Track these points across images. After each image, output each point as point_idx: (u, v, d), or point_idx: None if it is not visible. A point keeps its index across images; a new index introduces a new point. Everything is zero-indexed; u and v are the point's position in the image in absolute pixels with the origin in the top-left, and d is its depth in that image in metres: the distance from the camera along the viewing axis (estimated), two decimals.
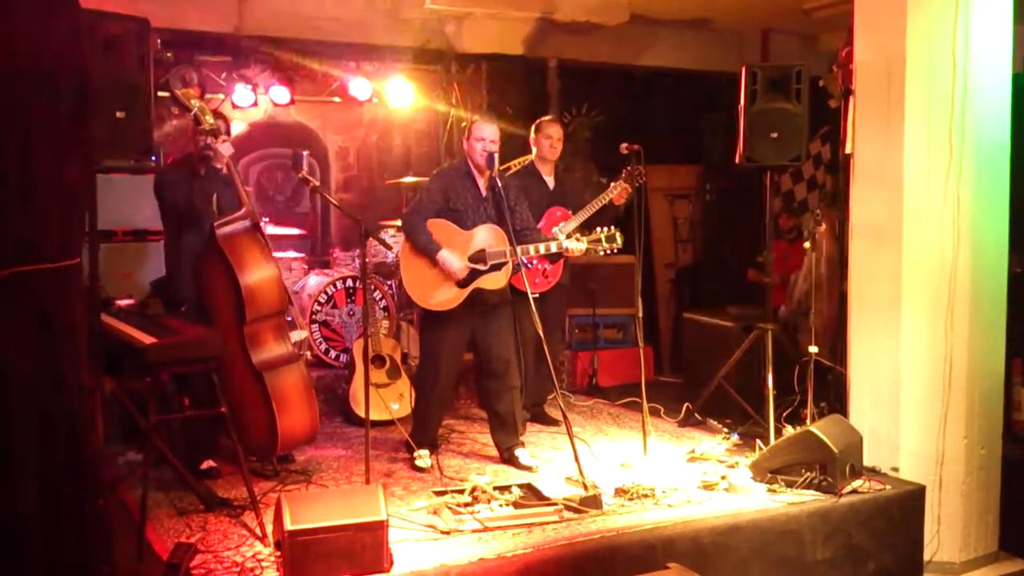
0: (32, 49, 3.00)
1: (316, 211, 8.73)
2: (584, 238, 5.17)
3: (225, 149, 4.96)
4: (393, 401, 6.12)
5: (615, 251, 5.17)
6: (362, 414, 4.73)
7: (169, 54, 7.14)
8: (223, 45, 7.62)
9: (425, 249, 5.08)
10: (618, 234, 5.15)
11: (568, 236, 5.54)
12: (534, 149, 6.15)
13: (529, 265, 5.04)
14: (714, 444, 5.51)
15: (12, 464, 3.02)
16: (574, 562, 4.02)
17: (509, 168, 6.49)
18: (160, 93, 7.00)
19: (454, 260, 5.06)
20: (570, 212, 6.04)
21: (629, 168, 5.85)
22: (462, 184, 5.19)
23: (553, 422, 6.21)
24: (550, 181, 6.14)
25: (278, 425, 4.82)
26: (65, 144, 3.11)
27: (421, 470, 5.17)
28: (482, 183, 5.21)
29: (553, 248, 5.13)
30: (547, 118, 6.26)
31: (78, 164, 3.19)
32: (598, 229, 5.18)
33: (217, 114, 5.14)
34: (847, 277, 5.37)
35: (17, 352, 3.02)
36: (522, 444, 5.37)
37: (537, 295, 5.31)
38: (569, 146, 8.49)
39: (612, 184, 5.99)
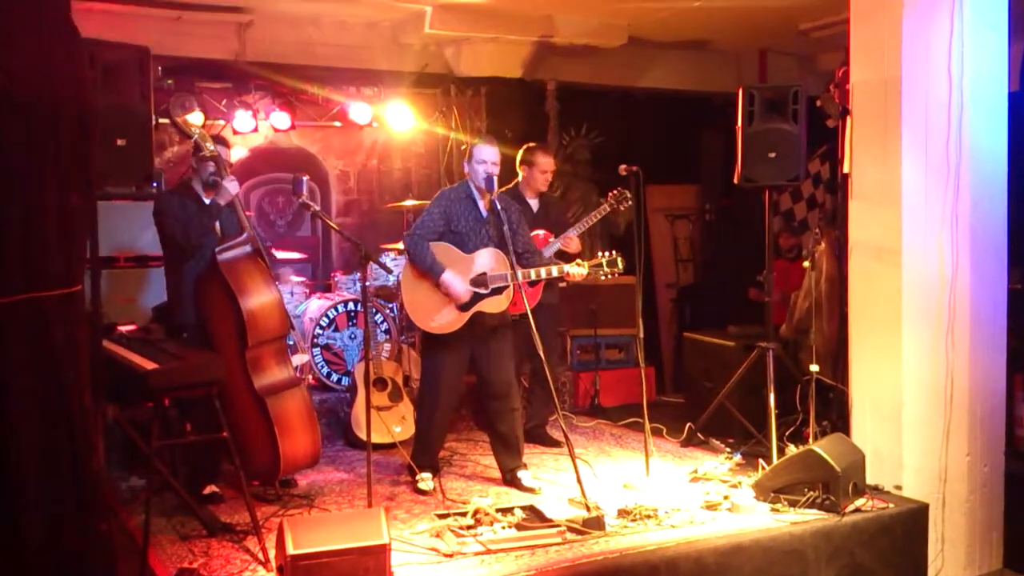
0: (34, 78, 3.03)
1: (317, 235, 8.76)
2: (585, 263, 5.18)
3: (232, 187, 5.00)
4: (395, 424, 6.12)
5: (616, 275, 5.18)
6: (364, 437, 4.73)
7: (169, 81, 7.20)
8: (224, 72, 7.67)
9: (430, 270, 5.10)
10: (619, 259, 5.16)
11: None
12: (520, 173, 6.15)
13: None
14: (717, 464, 5.49)
15: (16, 490, 3.03)
16: None
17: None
18: (161, 120, 7.06)
19: (458, 283, 5.07)
20: (552, 235, 6.05)
21: (615, 192, 5.96)
22: (463, 207, 5.21)
23: (555, 443, 6.21)
24: (534, 204, 6.15)
25: (280, 450, 4.83)
26: (67, 172, 3.13)
27: (423, 493, 5.17)
28: (483, 205, 5.22)
29: (555, 272, 5.14)
30: (538, 146, 6.22)
31: (80, 191, 3.21)
32: (600, 254, 5.19)
33: (218, 139, 5.18)
34: (847, 295, 5.38)
35: (21, 378, 3.03)
36: (524, 466, 5.36)
37: (517, 317, 5.30)
38: (568, 168, 8.54)
39: (602, 205, 6.07)
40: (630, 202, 5.90)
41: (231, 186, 4.99)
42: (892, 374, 5.05)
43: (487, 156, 5.13)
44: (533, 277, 5.13)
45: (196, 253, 4.99)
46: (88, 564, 3.18)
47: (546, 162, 6.09)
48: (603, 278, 5.20)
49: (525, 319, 4.74)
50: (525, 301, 4.86)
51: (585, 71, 8.73)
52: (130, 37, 4.70)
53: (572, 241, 6.04)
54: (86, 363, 3.24)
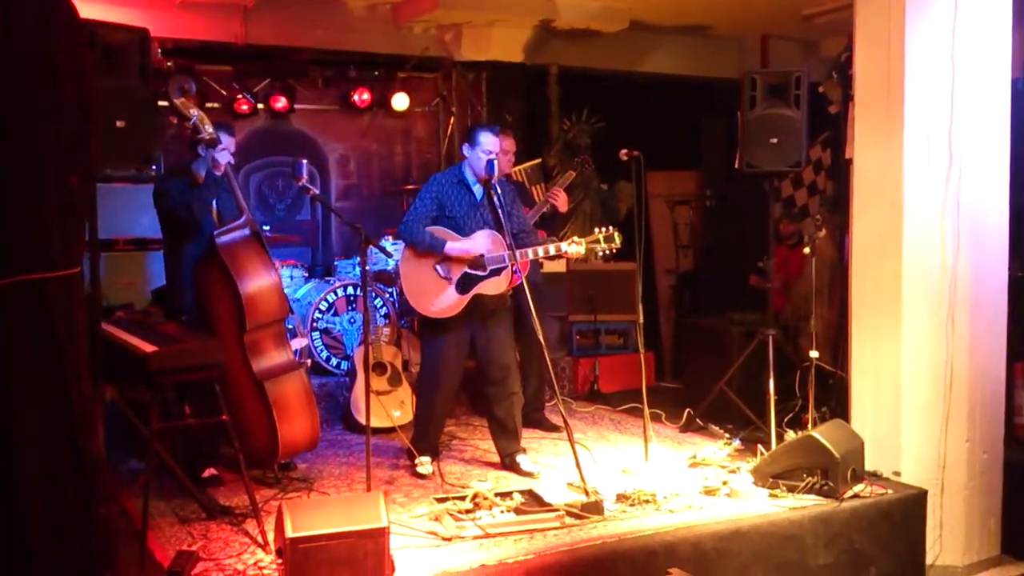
0: (33, 60, 3.02)
1: (316, 219, 8.74)
2: (583, 240, 5.12)
3: (222, 157, 4.99)
4: (394, 408, 6.12)
5: (614, 251, 5.10)
6: (363, 421, 4.73)
7: (169, 63, 7.17)
8: (224, 54, 7.65)
9: (432, 248, 5.09)
10: (616, 234, 5.07)
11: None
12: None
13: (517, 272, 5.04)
14: (716, 449, 5.50)
15: (16, 472, 3.03)
16: (576, 568, 4.02)
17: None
18: (160, 103, 7.04)
19: (467, 243, 5.06)
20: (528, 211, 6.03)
21: (579, 159, 6.40)
22: (456, 192, 5.19)
23: (554, 428, 6.21)
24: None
25: (279, 433, 4.82)
26: (67, 154, 3.12)
27: (422, 477, 5.17)
28: (477, 189, 5.20)
29: (552, 251, 5.11)
30: (500, 128, 5.99)
31: (79, 173, 3.20)
32: (596, 230, 5.11)
33: (224, 126, 5.15)
34: (848, 282, 5.38)
35: (20, 359, 3.03)
36: (523, 450, 5.37)
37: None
38: (569, 153, 8.52)
39: (568, 172, 6.33)
40: (590, 166, 6.34)
41: (221, 156, 4.98)
42: (892, 361, 5.05)
43: (490, 146, 5.09)
44: (531, 256, 5.10)
45: (199, 229, 4.97)
46: (87, 547, 3.18)
47: (508, 143, 6.06)
48: (600, 254, 5.14)
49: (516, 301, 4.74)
50: (526, 286, 4.85)
51: (586, 55, 8.70)
52: (130, 19, 4.68)
53: (559, 195, 6.25)
54: (85, 345, 3.24)
